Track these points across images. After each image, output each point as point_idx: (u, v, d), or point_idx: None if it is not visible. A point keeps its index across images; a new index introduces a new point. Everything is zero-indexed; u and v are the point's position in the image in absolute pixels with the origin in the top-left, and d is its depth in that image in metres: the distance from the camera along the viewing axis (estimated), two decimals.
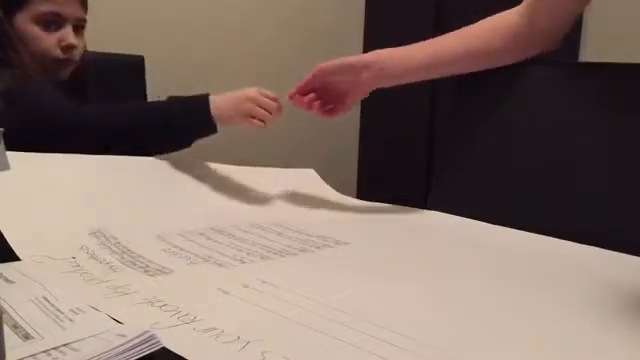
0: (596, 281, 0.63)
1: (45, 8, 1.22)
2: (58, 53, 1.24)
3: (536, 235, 0.80)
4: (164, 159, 1.01)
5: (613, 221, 0.90)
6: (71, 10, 1.25)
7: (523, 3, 0.78)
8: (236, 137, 2.16)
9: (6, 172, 0.48)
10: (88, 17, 1.30)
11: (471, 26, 0.76)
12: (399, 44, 1.04)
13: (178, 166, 0.99)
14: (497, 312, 0.54)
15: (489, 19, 0.76)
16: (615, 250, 0.71)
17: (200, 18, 2.08)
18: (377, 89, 0.95)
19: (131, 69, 1.70)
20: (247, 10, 2.16)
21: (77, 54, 1.28)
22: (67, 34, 1.24)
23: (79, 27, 1.29)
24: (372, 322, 0.49)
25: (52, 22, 1.23)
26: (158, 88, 1.81)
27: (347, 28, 2.35)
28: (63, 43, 1.24)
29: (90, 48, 1.65)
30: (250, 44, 2.17)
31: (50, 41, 1.23)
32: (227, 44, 2.14)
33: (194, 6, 2.07)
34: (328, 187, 1.04)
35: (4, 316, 0.46)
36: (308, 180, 1.06)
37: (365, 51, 2.55)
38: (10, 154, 0.46)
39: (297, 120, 2.29)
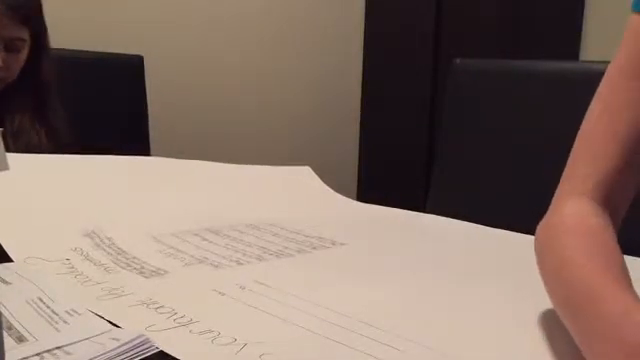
0: None
1: None
2: None
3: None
4: (159, 159, 1.00)
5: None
6: (4, 32, 1.22)
7: (581, 194, 0.57)
8: (236, 137, 2.16)
9: (1, 173, 0.48)
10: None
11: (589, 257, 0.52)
12: (399, 44, 1.04)
13: (173, 166, 0.99)
14: (497, 314, 0.54)
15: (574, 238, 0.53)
16: None
17: (200, 18, 2.08)
18: (377, 89, 0.94)
19: (130, 69, 1.69)
20: (247, 10, 2.15)
21: (3, 73, 1.25)
22: None
23: (15, 45, 1.25)
24: (369, 323, 0.49)
25: None
26: (158, 88, 1.81)
27: (347, 28, 2.35)
28: None
29: (90, 48, 1.65)
30: (250, 44, 2.17)
31: None
32: (227, 44, 2.14)
33: (194, 6, 2.07)
34: (324, 185, 1.04)
35: None
36: (304, 178, 1.06)
37: (365, 51, 2.55)
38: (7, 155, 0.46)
39: (297, 120, 2.30)
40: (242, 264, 0.65)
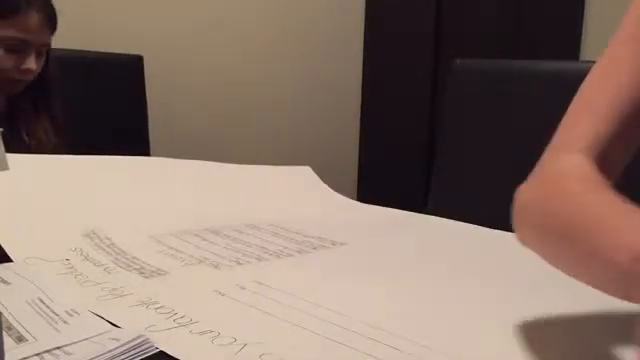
0: None
1: (14, 34, 1.24)
2: (15, 75, 1.27)
3: None
4: (159, 159, 1.00)
5: None
6: (40, 39, 1.28)
7: (579, 152, 0.55)
8: (236, 137, 2.16)
9: (1, 173, 0.48)
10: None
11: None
12: (399, 44, 1.04)
13: (172, 166, 0.99)
14: (497, 314, 0.54)
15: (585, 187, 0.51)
16: None
17: (200, 18, 2.08)
18: (377, 89, 0.94)
19: (130, 69, 1.69)
20: (247, 10, 2.15)
21: (32, 76, 1.30)
22: (29, 60, 1.27)
23: (42, 50, 1.31)
24: (369, 323, 0.49)
25: (17, 48, 1.25)
26: (157, 88, 1.81)
27: (347, 28, 2.35)
28: (23, 67, 1.26)
29: (89, 48, 1.65)
30: (250, 44, 2.17)
31: (10, 63, 1.25)
32: (227, 44, 2.14)
33: (193, 6, 2.06)
34: (324, 185, 1.04)
35: None
36: (304, 178, 1.06)
37: (365, 51, 2.55)
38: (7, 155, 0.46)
39: (297, 120, 2.30)
40: (242, 264, 0.65)
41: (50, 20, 1.29)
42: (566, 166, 0.52)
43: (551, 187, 0.51)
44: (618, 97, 0.54)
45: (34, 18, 1.25)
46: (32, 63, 1.27)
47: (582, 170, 0.50)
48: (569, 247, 0.45)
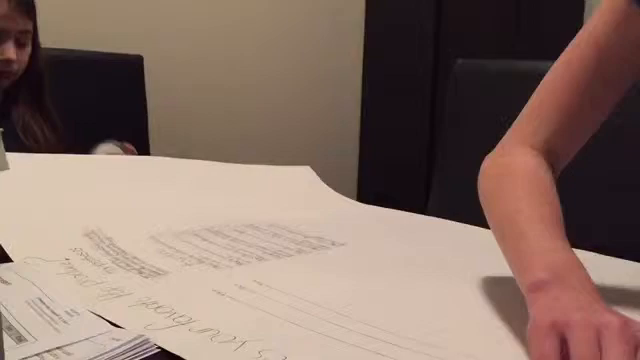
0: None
1: None
2: None
3: None
4: (159, 159, 1.00)
5: (613, 227, 0.90)
6: (14, 24, 1.24)
7: (528, 145, 0.62)
8: (236, 137, 2.16)
9: (1, 173, 0.48)
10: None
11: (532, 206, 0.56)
12: (399, 44, 1.04)
13: (172, 166, 0.99)
14: (497, 314, 0.54)
15: (528, 189, 0.58)
16: (615, 255, 0.71)
17: (200, 18, 2.08)
18: (377, 89, 0.94)
19: (130, 69, 1.69)
20: (247, 10, 2.15)
21: (16, 66, 1.26)
22: (7, 49, 1.23)
23: (23, 38, 1.27)
24: (368, 323, 0.49)
25: None
26: (157, 88, 1.81)
27: (347, 28, 2.35)
28: (1, 57, 1.23)
29: (89, 48, 1.65)
30: (250, 44, 2.17)
31: None
32: (227, 44, 2.14)
33: (193, 6, 2.06)
34: (324, 185, 1.04)
35: None
36: (304, 178, 1.06)
37: (365, 51, 2.54)
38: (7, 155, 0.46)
39: (297, 120, 2.30)
40: (241, 264, 0.65)
41: (22, 5, 1.24)
42: (517, 160, 0.60)
43: (499, 178, 0.60)
44: (567, 97, 0.60)
45: (2, 4, 1.21)
46: (11, 53, 1.23)
47: (528, 168, 0.58)
48: (499, 240, 0.56)
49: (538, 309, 0.44)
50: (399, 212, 0.92)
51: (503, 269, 0.68)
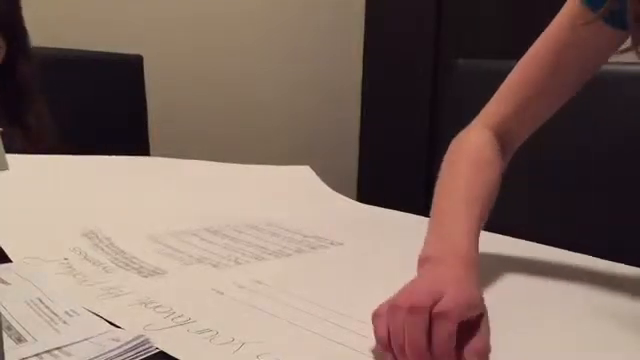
0: (593, 290, 0.63)
1: None
2: None
3: (533, 244, 0.78)
4: (159, 159, 1.00)
5: (613, 231, 0.90)
6: None
7: (485, 126, 0.68)
8: (236, 137, 2.16)
9: (1, 173, 0.48)
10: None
11: (464, 185, 0.62)
12: (399, 45, 1.04)
13: (172, 166, 0.99)
14: (496, 314, 0.54)
15: (466, 165, 0.64)
16: (614, 260, 0.71)
17: (200, 18, 2.07)
18: (377, 89, 0.94)
19: (130, 69, 1.69)
20: (246, 10, 2.15)
21: None
22: None
23: None
24: (367, 323, 0.49)
25: None
26: (157, 88, 1.81)
27: (347, 28, 2.35)
28: None
29: (89, 47, 1.65)
30: (250, 44, 2.17)
31: None
32: (227, 44, 2.14)
33: (193, 5, 2.06)
34: (324, 185, 1.04)
35: None
36: (304, 178, 1.06)
37: (365, 51, 2.54)
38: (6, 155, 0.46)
39: (297, 120, 2.30)
40: (241, 264, 0.65)
41: None
42: (471, 140, 0.67)
43: (449, 155, 0.66)
44: (523, 84, 0.67)
45: None
46: None
47: (474, 146, 0.65)
48: (431, 208, 0.62)
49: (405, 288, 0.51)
50: (398, 212, 0.92)
51: (501, 269, 0.68)
